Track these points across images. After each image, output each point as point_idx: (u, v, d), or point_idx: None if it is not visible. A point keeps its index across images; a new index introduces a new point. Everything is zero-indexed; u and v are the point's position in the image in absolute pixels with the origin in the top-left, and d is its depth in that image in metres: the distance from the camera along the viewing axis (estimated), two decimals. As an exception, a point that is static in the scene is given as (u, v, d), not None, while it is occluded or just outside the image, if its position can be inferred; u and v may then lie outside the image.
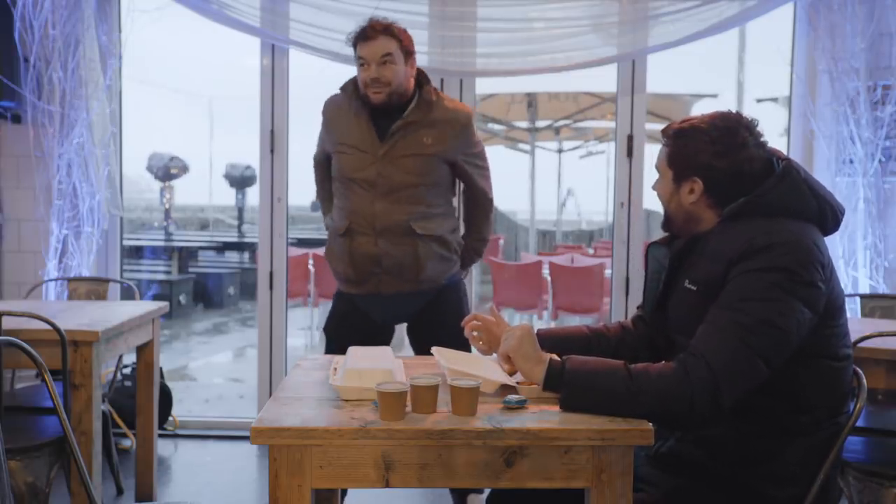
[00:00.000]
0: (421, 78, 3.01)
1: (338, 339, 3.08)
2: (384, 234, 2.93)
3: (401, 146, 2.92)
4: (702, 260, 1.86)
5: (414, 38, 3.01)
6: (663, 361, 1.77)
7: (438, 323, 3.02)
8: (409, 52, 2.96)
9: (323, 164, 3.20)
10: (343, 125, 3.01)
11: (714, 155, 1.85)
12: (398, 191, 2.93)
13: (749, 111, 1.94)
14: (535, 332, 1.94)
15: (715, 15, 4.17)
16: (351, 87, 3.03)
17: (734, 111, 1.92)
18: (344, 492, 3.09)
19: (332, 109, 3.09)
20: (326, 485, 1.65)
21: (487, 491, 2.18)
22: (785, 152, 4.64)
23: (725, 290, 1.76)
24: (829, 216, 1.86)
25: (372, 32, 2.90)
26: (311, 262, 7.72)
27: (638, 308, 2.20)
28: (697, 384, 1.67)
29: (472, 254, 3.19)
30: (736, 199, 1.86)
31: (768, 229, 1.77)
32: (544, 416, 1.70)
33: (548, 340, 2.05)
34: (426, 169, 2.95)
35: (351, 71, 3.07)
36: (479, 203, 3.16)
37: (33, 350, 2.05)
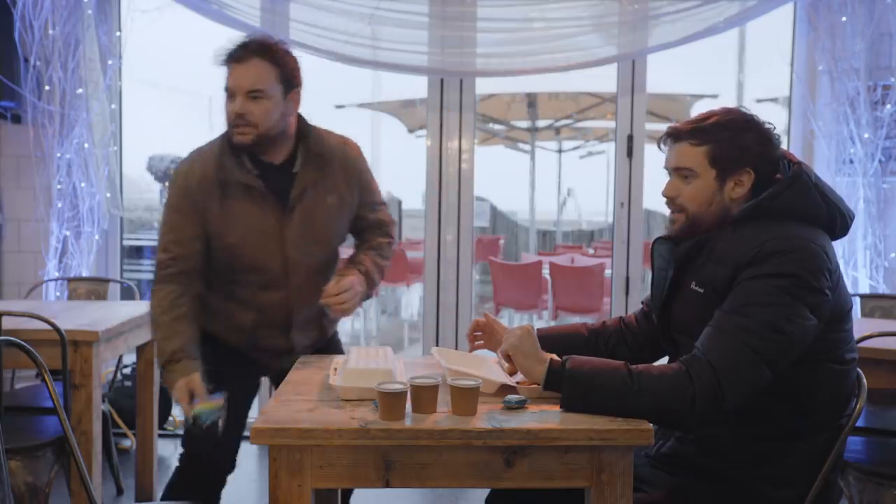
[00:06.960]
0: (299, 120, 2.38)
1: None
2: (298, 326, 2.44)
3: (305, 218, 2.34)
4: (709, 262, 1.85)
5: (414, 38, 2.82)
6: (665, 362, 1.76)
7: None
8: (291, 84, 2.28)
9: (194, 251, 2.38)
10: (226, 201, 2.29)
11: (760, 142, 1.85)
12: (311, 273, 2.39)
13: (749, 111, 1.93)
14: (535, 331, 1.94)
15: (715, 15, 4.18)
16: (217, 144, 2.34)
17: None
18: (347, 493, 3.08)
19: (200, 180, 2.30)
20: (326, 485, 1.65)
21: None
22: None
23: (732, 294, 1.76)
24: (838, 222, 1.86)
25: (244, 53, 2.23)
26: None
27: (643, 303, 2.19)
28: (700, 387, 1.67)
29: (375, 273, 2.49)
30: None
31: (778, 234, 1.76)
32: (544, 416, 1.70)
33: (547, 340, 2.05)
34: (335, 232, 2.45)
35: (351, 70, 2.92)
36: (382, 230, 2.58)
37: (33, 350, 2.05)
